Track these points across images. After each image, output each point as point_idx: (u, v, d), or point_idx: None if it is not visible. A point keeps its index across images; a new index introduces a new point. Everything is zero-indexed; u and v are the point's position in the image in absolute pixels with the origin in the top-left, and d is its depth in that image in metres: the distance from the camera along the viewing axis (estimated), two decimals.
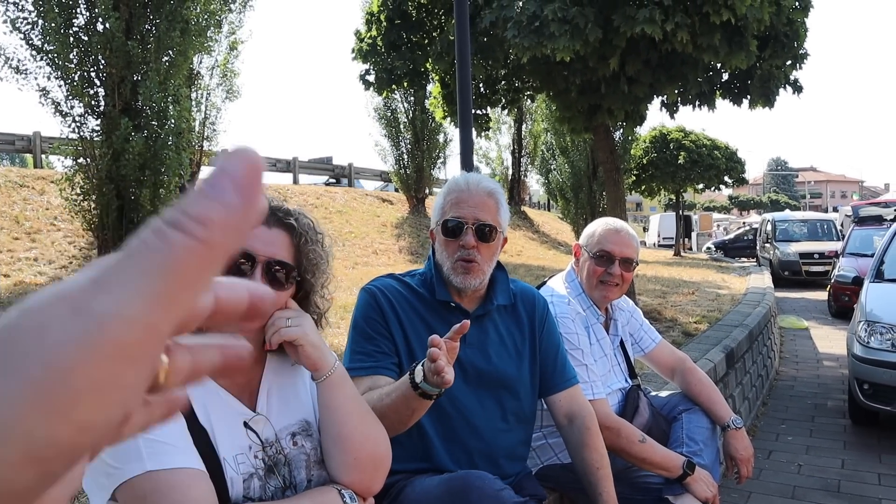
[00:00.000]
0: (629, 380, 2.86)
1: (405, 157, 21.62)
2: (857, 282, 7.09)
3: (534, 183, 30.19)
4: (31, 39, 7.93)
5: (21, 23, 7.86)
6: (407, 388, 1.73)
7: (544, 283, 2.89)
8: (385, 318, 2.06)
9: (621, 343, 2.92)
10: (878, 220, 12.81)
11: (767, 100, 8.10)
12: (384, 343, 2.04)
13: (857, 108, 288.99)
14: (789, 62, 7.89)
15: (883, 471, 4.82)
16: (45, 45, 7.91)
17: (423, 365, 1.71)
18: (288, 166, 22.99)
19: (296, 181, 22.80)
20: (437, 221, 2.16)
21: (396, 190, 23.30)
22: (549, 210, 36.69)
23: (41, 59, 7.96)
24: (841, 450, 5.32)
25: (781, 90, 8.18)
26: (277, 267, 1.47)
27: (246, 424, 1.49)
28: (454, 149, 23.33)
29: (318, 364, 1.52)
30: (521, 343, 2.25)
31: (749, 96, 8.29)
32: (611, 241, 2.74)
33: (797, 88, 8.27)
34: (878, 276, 6.59)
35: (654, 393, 3.06)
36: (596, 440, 2.24)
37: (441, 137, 22.02)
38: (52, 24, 7.76)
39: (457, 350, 1.66)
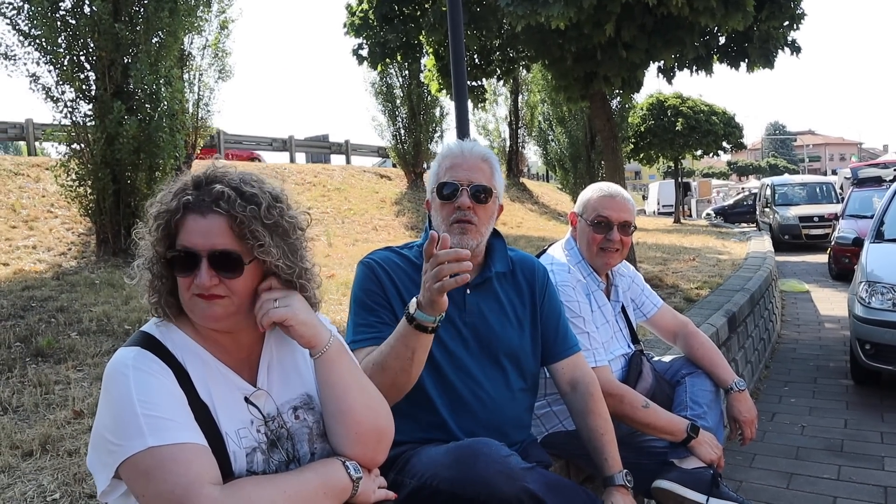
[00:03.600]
0: (631, 345, 2.86)
1: (402, 131, 21.51)
2: (858, 243, 7.07)
3: (532, 154, 30.10)
4: (18, 25, 7.84)
5: (6, 8, 7.77)
6: (404, 325, 1.76)
7: (544, 251, 2.88)
8: (384, 289, 2.06)
9: (623, 309, 2.91)
10: (877, 182, 12.77)
11: (767, 60, 8.01)
12: (385, 314, 2.04)
13: (854, 69, 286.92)
14: (787, 22, 7.79)
15: (885, 429, 4.85)
16: (33, 30, 7.82)
17: (416, 297, 1.74)
18: (284, 145, 22.87)
19: (292, 160, 22.71)
20: (432, 188, 2.15)
21: (394, 165, 23.22)
22: (547, 181, 36.61)
23: (29, 44, 7.88)
24: (843, 410, 5.35)
25: (780, 52, 8.09)
26: (221, 258, 1.40)
27: (247, 399, 1.48)
28: (451, 122, 23.16)
29: (312, 341, 1.50)
30: (522, 311, 2.24)
31: (747, 59, 8.21)
32: (607, 207, 2.72)
33: (795, 49, 8.18)
34: (879, 236, 6.57)
35: (656, 358, 3.06)
36: (600, 406, 2.24)
37: (437, 111, 21.92)
38: (39, 9, 7.67)
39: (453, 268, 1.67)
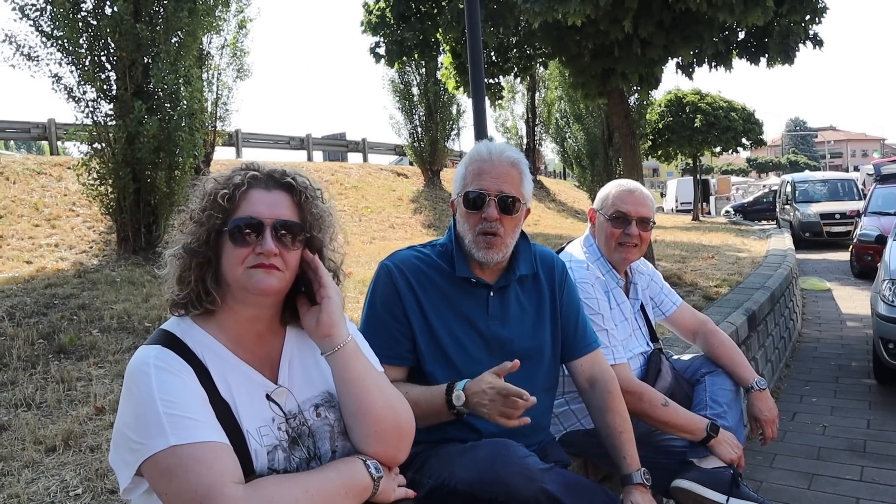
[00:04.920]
0: (650, 343, 2.84)
1: (419, 129, 21.52)
2: (881, 240, 6.98)
3: (549, 151, 29.96)
4: (41, 26, 7.94)
5: (30, 9, 7.86)
6: (441, 404, 1.84)
7: (562, 248, 2.87)
8: (402, 299, 2.03)
9: (642, 307, 2.89)
10: None
11: (787, 56, 7.90)
12: (397, 329, 2.02)
13: (877, 63, 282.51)
14: (808, 17, 7.67)
15: None
16: (55, 31, 7.92)
17: (463, 389, 1.81)
18: (302, 143, 22.98)
19: (310, 158, 22.80)
20: (458, 192, 2.10)
21: (411, 163, 23.23)
22: (564, 178, 36.45)
23: (51, 45, 7.98)
24: (866, 410, 5.28)
25: (801, 46, 7.97)
26: (284, 229, 1.47)
27: (268, 397, 1.49)
28: (468, 120, 23.15)
29: (331, 330, 1.51)
30: (543, 310, 2.22)
31: (767, 54, 8.10)
32: (625, 202, 2.70)
33: (817, 43, 8.04)
34: None
35: (676, 356, 3.04)
36: (618, 404, 2.22)
37: (454, 109, 21.90)
38: (61, 10, 7.76)
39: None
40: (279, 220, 1.47)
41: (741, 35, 8.28)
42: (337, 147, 25.48)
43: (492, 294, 2.11)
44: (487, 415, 1.77)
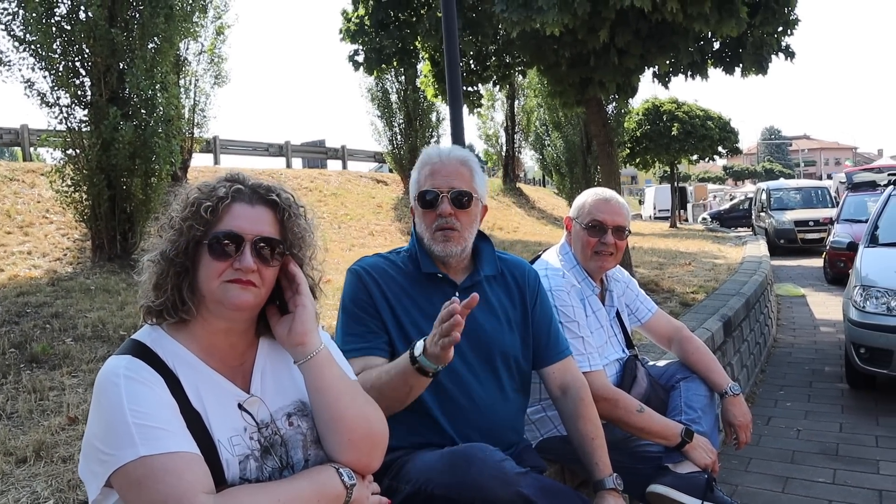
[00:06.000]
0: (626, 350, 2.86)
1: (398, 137, 21.52)
2: (853, 247, 7.09)
3: (528, 159, 30.11)
4: (13, 30, 7.82)
5: (2, 14, 7.75)
6: (406, 364, 1.77)
7: (538, 256, 2.88)
8: (371, 297, 2.08)
9: (617, 314, 2.91)
10: (871, 186, 12.76)
11: (760, 66, 8.04)
12: (372, 323, 2.06)
13: (849, 74, 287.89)
14: (781, 28, 7.82)
15: (880, 433, 4.86)
16: (28, 36, 7.80)
17: (423, 340, 1.74)
18: (280, 150, 22.86)
19: (289, 165, 22.70)
20: (414, 196, 2.17)
21: (391, 170, 23.22)
22: (544, 186, 36.64)
23: (24, 49, 7.87)
24: (839, 414, 5.36)
25: (774, 57, 8.12)
26: (263, 244, 1.46)
27: (240, 406, 1.48)
28: (448, 127, 23.15)
29: (303, 338, 1.51)
30: (513, 312, 2.25)
31: (741, 64, 8.24)
32: (602, 211, 2.73)
33: (789, 54, 8.21)
34: (873, 240, 6.60)
35: (651, 362, 3.07)
36: (590, 411, 2.25)
37: (434, 116, 21.94)
38: (34, 15, 7.65)
39: (462, 326, 1.65)
40: (260, 236, 1.46)
41: (716, 45, 8.42)
42: (316, 154, 25.39)
43: (457, 294, 2.13)
44: (440, 347, 1.67)
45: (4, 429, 3.56)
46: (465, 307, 1.64)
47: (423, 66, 9.83)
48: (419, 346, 1.75)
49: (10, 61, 7.91)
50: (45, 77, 8.04)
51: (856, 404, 5.58)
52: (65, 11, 8.02)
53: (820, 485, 4.04)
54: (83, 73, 8.20)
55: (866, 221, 7.61)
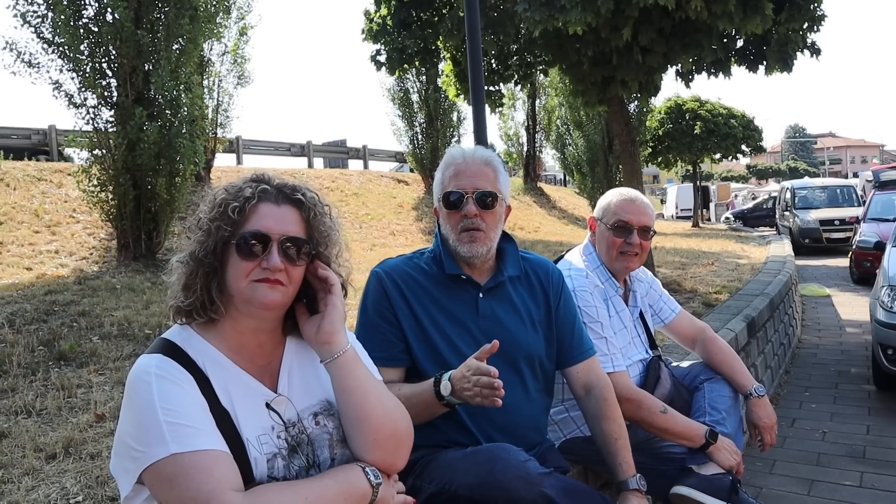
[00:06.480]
0: (649, 351, 2.85)
1: (419, 136, 21.54)
2: (880, 247, 6.98)
3: (549, 158, 30.00)
4: (42, 32, 7.96)
5: (31, 16, 7.89)
6: (431, 397, 1.85)
7: (561, 257, 2.88)
8: (391, 302, 2.10)
9: (641, 314, 2.90)
10: None
11: (785, 64, 7.92)
12: (390, 332, 2.08)
13: (876, 70, 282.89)
14: (806, 25, 7.70)
15: None
16: (56, 38, 7.94)
17: (449, 379, 1.82)
18: (302, 150, 23.00)
19: (310, 165, 22.83)
20: (438, 197, 2.18)
21: (412, 170, 23.26)
22: (565, 185, 36.47)
23: (52, 51, 8.00)
24: (865, 416, 5.29)
25: (799, 54, 8.00)
26: (289, 243, 1.48)
27: (268, 405, 1.50)
28: (469, 127, 23.15)
29: (331, 337, 1.53)
30: (537, 313, 2.26)
31: (765, 62, 8.13)
32: (627, 211, 2.72)
33: (815, 51, 8.08)
34: None
35: (675, 363, 3.05)
36: (614, 411, 2.24)
37: (455, 116, 21.91)
38: (62, 17, 7.78)
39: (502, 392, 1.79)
40: (286, 235, 1.48)
41: (740, 43, 8.31)
42: (337, 154, 25.51)
43: (481, 295, 2.16)
44: (471, 398, 1.79)
45: (34, 425, 3.63)
46: (484, 353, 1.82)
47: (445, 66, 9.83)
48: (446, 387, 1.83)
49: (38, 63, 8.05)
50: (72, 78, 8.17)
51: (883, 406, 5.49)
52: (92, 13, 8.15)
53: (846, 488, 3.98)
54: (110, 74, 8.32)
55: (894, 220, 7.50)
